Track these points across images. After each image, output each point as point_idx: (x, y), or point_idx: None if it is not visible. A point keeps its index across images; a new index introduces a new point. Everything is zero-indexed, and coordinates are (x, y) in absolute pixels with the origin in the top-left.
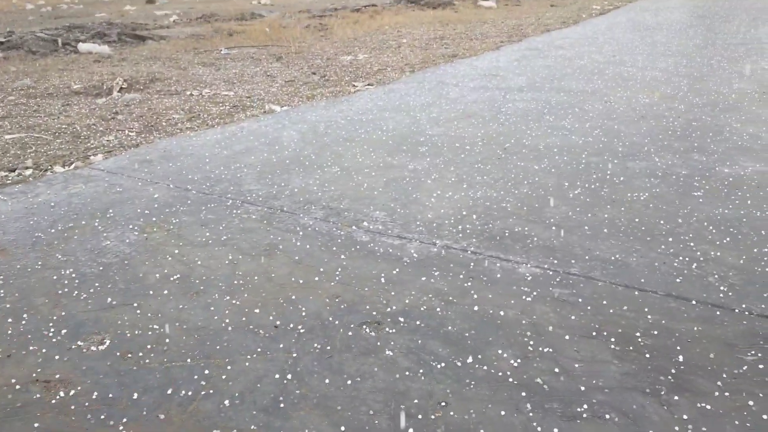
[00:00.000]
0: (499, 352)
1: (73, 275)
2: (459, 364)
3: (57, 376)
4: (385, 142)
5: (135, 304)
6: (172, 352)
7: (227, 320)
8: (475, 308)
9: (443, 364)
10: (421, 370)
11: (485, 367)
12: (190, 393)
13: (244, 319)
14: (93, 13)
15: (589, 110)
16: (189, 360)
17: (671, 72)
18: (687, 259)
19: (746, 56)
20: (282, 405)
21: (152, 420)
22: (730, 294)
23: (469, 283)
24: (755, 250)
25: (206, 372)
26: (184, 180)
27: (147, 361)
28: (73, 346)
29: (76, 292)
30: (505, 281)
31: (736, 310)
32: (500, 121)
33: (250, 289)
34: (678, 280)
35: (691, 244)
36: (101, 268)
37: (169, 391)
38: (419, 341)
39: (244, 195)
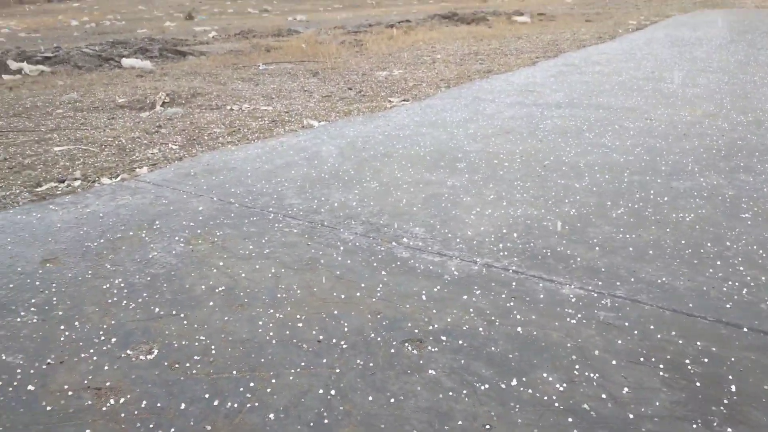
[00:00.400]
0: (544, 375)
1: (122, 285)
2: (503, 386)
3: (107, 383)
4: (423, 158)
5: (182, 315)
6: (218, 364)
7: (271, 333)
8: (519, 329)
9: (487, 386)
10: (464, 391)
11: (530, 390)
12: (236, 405)
13: (287, 332)
14: (135, 29)
15: (629, 127)
16: (235, 372)
17: (713, 89)
18: (737, 283)
19: None
20: (326, 421)
21: (199, 431)
22: None
23: (512, 303)
24: None
25: (251, 384)
26: (227, 193)
27: (194, 371)
28: (123, 355)
29: (125, 302)
30: (549, 302)
31: None
32: (538, 138)
33: (293, 303)
34: (728, 306)
35: (741, 268)
36: (149, 279)
37: (216, 403)
38: (462, 361)
39: (285, 209)
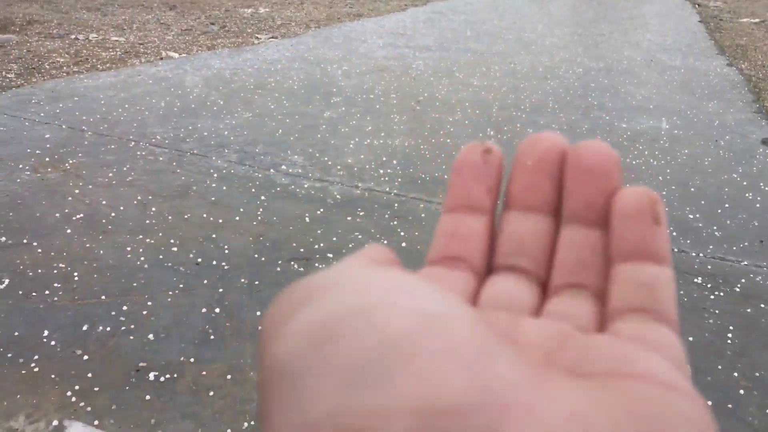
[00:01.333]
0: None
1: None
2: None
3: None
4: (297, 91)
5: (35, 244)
6: (83, 291)
7: (142, 258)
8: (403, 244)
9: None
10: None
11: None
12: (108, 329)
13: (161, 257)
14: None
15: (496, 69)
16: (104, 297)
17: (568, 39)
18: None
19: (633, 29)
20: (212, 337)
21: (68, 356)
22: None
23: (395, 222)
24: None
25: (125, 308)
26: (78, 121)
27: (55, 299)
28: None
29: None
30: (430, 220)
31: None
32: (411, 76)
33: (165, 229)
34: None
35: None
36: None
37: (85, 328)
38: None
39: (148, 137)
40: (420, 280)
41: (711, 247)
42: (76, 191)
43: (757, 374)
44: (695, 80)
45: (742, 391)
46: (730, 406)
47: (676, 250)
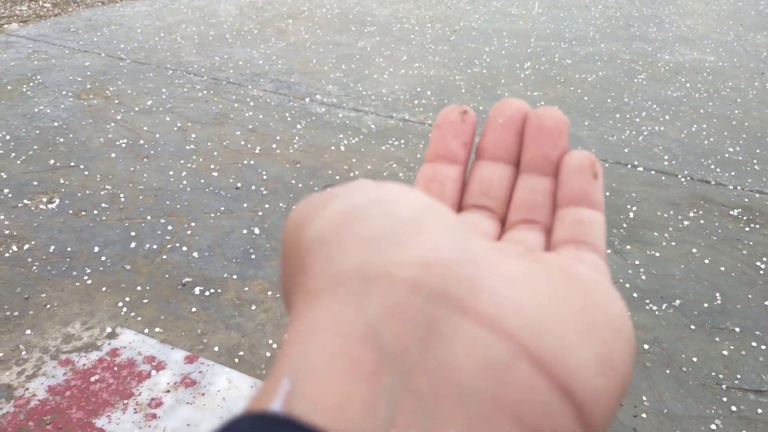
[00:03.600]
0: None
1: (8, 138)
2: None
3: (6, 232)
4: (331, 21)
5: (81, 166)
6: (129, 211)
7: (185, 182)
8: None
9: None
10: None
11: None
12: (155, 247)
13: (202, 181)
14: None
15: None
16: (149, 217)
17: None
18: (633, 132)
19: None
20: (253, 256)
21: (118, 270)
22: (673, 162)
23: None
24: (694, 127)
25: (170, 228)
26: (116, 49)
27: (104, 218)
28: (20, 205)
29: (13, 155)
30: None
31: (679, 176)
32: (447, 5)
33: (205, 154)
34: (626, 150)
35: (637, 120)
36: (38, 132)
37: (133, 245)
38: None
39: (184, 66)
40: (414, 188)
41: (749, 180)
42: (119, 117)
43: None
44: (744, 10)
45: None
46: (758, 332)
47: (713, 182)
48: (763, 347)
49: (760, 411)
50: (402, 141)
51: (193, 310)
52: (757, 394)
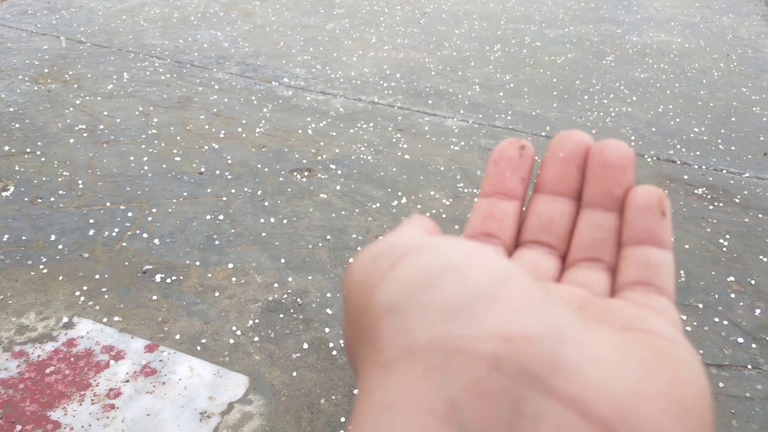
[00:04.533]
0: (432, 193)
1: None
2: (394, 203)
3: None
4: (299, 2)
5: (38, 153)
6: (88, 197)
7: (146, 167)
8: (406, 156)
9: (378, 204)
10: (356, 210)
11: (419, 206)
12: (114, 234)
13: (164, 166)
14: None
15: None
16: (108, 204)
17: None
18: (601, 113)
19: None
20: (217, 242)
21: (75, 259)
22: (640, 143)
23: (399, 135)
24: (661, 108)
25: (130, 215)
26: (76, 32)
27: (61, 205)
28: None
29: None
30: (434, 133)
31: (645, 156)
32: None
33: (167, 139)
34: (594, 132)
35: (605, 101)
36: None
37: (91, 233)
38: (353, 185)
39: (147, 49)
40: (486, 247)
41: (714, 159)
42: (78, 102)
43: (750, 280)
44: None
45: (733, 295)
46: (720, 308)
47: (678, 162)
48: (725, 323)
49: (721, 385)
50: (371, 124)
51: (154, 297)
52: (719, 369)
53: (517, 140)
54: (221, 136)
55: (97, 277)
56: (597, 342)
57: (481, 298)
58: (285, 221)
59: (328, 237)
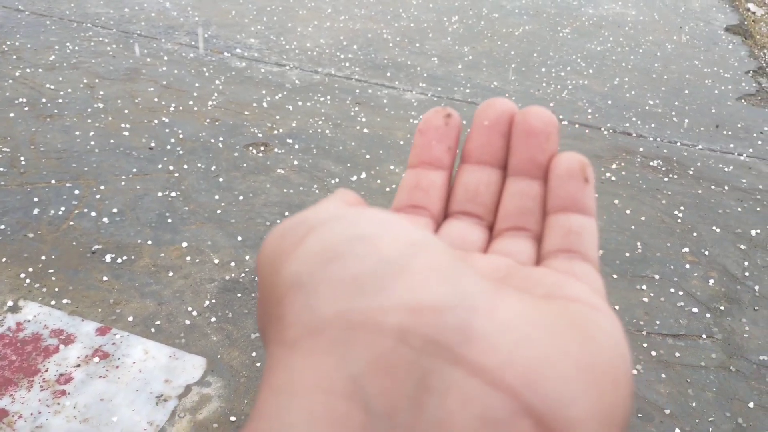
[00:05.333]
0: (392, 167)
1: None
2: (353, 178)
3: None
4: None
5: None
6: (31, 175)
7: (92, 143)
8: (365, 130)
9: (337, 180)
10: (315, 186)
11: (379, 181)
12: (60, 212)
13: (112, 141)
14: None
15: None
16: (53, 181)
17: None
18: (558, 86)
19: None
20: (170, 220)
21: (19, 240)
22: (596, 115)
23: (357, 108)
24: (616, 80)
25: (76, 192)
26: (13, 0)
27: (2, 183)
28: None
29: None
30: (393, 106)
31: (602, 129)
32: None
33: (115, 113)
34: (551, 104)
35: (562, 74)
36: None
37: (36, 212)
38: (310, 160)
39: (91, 18)
40: (399, 216)
41: (668, 131)
42: (17, 73)
43: (704, 251)
44: None
45: (688, 266)
46: (675, 279)
47: (634, 134)
48: (681, 293)
49: (677, 354)
50: (328, 97)
51: (104, 278)
52: (674, 338)
53: (443, 109)
54: (172, 109)
55: (43, 258)
56: (508, 311)
57: (389, 269)
58: (241, 198)
59: (286, 213)
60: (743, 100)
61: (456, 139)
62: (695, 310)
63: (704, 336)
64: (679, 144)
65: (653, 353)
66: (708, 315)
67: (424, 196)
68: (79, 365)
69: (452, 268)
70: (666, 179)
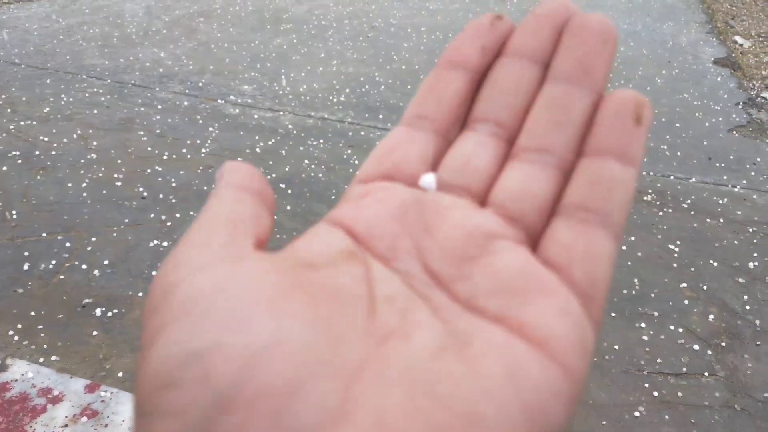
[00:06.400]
0: None
1: None
2: None
3: None
4: (245, 18)
5: None
6: (22, 228)
7: (85, 194)
8: (359, 173)
9: None
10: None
11: None
12: (51, 266)
13: (104, 192)
14: None
15: None
16: (44, 234)
17: None
18: None
19: None
20: None
21: (9, 295)
22: None
23: (350, 151)
24: None
25: (67, 245)
26: (10, 54)
27: None
28: None
29: None
30: None
31: None
32: (366, 1)
33: (108, 163)
34: None
35: None
36: None
37: (26, 266)
38: (304, 205)
39: (86, 69)
40: (268, 281)
41: (661, 165)
42: (11, 127)
43: (702, 285)
44: (652, 1)
45: (686, 301)
46: (675, 315)
47: None
48: (681, 329)
49: (680, 394)
50: (321, 140)
51: (94, 333)
52: (676, 377)
53: (498, 13)
54: (165, 157)
55: (32, 313)
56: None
57: (220, 405)
58: None
59: None
60: (735, 132)
61: (496, 42)
62: (696, 347)
63: (707, 374)
64: (672, 177)
65: (655, 393)
66: (709, 352)
67: (434, 103)
68: (66, 425)
69: (291, 399)
70: (661, 213)
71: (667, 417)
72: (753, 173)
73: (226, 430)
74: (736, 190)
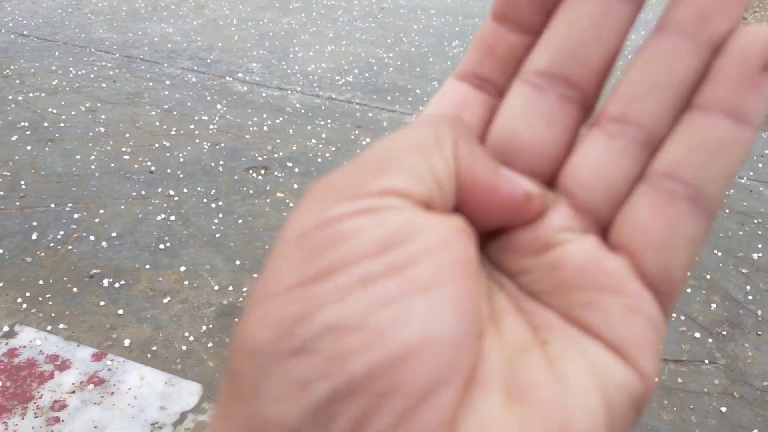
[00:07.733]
0: None
1: None
2: None
3: None
4: None
5: None
6: (31, 199)
7: (93, 166)
8: None
9: None
10: None
11: None
12: (59, 237)
13: (113, 165)
14: None
15: None
16: (53, 205)
17: None
18: None
19: None
20: (168, 244)
21: (17, 264)
22: None
23: (357, 132)
24: None
25: (75, 216)
26: (19, 25)
27: (2, 207)
28: None
29: None
30: (393, 129)
31: None
32: None
33: (116, 136)
34: None
35: None
36: None
37: (34, 236)
38: (311, 183)
39: (94, 43)
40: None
41: None
42: (20, 98)
43: (705, 274)
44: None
45: (689, 290)
46: (678, 303)
47: None
48: (682, 317)
49: (680, 380)
50: (329, 120)
51: (102, 303)
52: (677, 364)
53: None
54: (173, 133)
55: (40, 282)
56: None
57: (350, 389)
58: (240, 221)
59: None
60: None
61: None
62: (697, 335)
63: (707, 361)
64: None
65: (655, 379)
66: (710, 340)
67: (491, 64)
68: (73, 392)
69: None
70: None
71: (666, 402)
72: (760, 165)
73: (347, 417)
74: (742, 181)
